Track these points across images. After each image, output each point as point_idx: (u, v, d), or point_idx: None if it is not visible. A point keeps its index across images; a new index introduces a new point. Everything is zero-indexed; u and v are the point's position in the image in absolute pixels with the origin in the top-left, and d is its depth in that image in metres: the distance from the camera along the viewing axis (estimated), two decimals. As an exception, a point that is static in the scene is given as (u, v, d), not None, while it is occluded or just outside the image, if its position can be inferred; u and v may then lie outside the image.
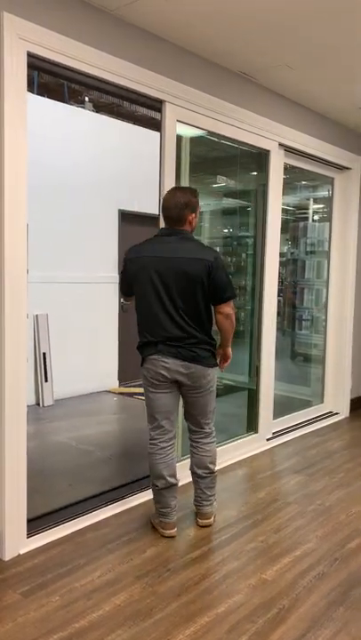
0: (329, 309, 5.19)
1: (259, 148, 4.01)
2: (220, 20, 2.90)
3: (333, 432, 4.73)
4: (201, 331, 2.74)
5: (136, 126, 6.80)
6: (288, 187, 4.72)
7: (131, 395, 5.87)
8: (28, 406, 2.68)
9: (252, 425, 4.24)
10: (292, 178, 4.73)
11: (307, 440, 4.47)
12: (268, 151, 4.08)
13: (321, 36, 3.06)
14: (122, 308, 6.22)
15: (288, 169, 4.50)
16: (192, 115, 3.41)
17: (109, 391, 6.03)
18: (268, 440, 4.29)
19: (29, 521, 2.71)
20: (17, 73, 2.44)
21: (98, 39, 2.76)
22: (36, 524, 2.78)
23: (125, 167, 6.16)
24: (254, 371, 4.30)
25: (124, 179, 6.17)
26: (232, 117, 3.67)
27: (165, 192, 2.89)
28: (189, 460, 3.00)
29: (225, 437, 3.97)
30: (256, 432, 4.22)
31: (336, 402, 5.24)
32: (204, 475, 2.93)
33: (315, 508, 3.22)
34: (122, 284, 2.94)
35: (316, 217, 5.67)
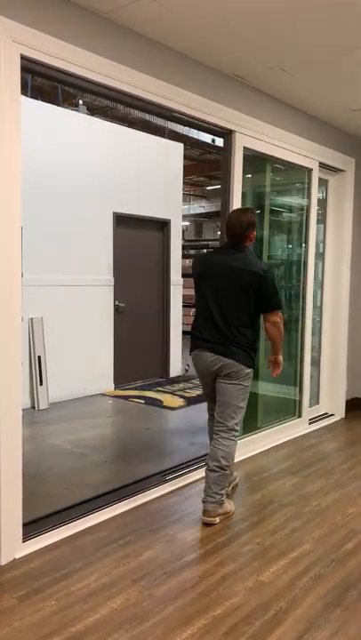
0: (324, 311, 5.20)
1: (304, 167, 4.56)
2: (214, 22, 2.91)
3: (329, 433, 4.74)
4: (241, 336, 3.00)
5: (131, 129, 6.82)
6: (282, 188, 4.74)
7: (126, 397, 5.86)
8: (23, 410, 2.67)
9: (295, 411, 4.82)
10: (286, 179, 4.75)
11: (302, 441, 4.48)
12: (311, 169, 4.62)
13: (317, 39, 3.08)
14: (117, 310, 6.22)
15: (282, 171, 4.52)
16: (255, 141, 3.92)
17: (105, 394, 6.02)
18: (309, 424, 4.89)
19: (25, 525, 2.70)
20: (10, 76, 2.43)
21: (93, 42, 2.76)
22: (31, 527, 2.77)
23: (120, 170, 6.17)
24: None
25: (119, 182, 6.17)
26: (284, 142, 4.19)
27: (230, 211, 3.31)
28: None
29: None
30: (300, 417, 4.77)
31: (331, 403, 5.25)
32: (214, 468, 3.00)
33: (311, 509, 3.22)
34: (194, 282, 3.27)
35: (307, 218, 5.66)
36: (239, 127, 3.73)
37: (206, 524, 2.96)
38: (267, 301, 3.02)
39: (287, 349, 4.74)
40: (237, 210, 3.31)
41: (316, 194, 4.70)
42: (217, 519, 2.99)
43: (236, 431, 3.08)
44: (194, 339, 3.13)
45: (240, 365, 2.98)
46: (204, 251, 13.51)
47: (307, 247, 4.75)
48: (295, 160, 4.40)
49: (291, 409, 4.79)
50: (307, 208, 4.69)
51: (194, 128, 3.64)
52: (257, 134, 3.90)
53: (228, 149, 3.77)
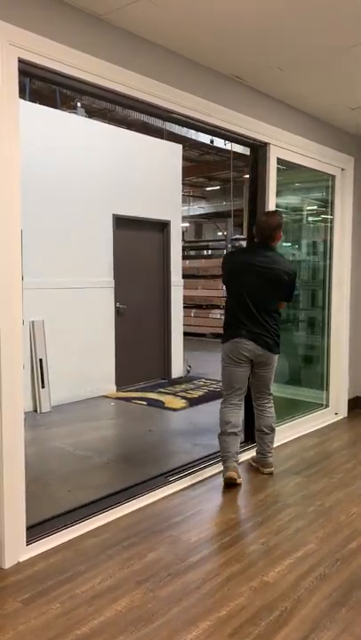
0: (326, 310, 5.19)
1: (328, 174, 4.89)
2: (209, 22, 2.91)
3: (332, 432, 4.73)
4: (272, 325, 3.54)
5: (129, 131, 6.82)
6: (283, 188, 4.75)
7: (128, 399, 5.85)
8: (25, 413, 2.67)
9: (324, 402, 5.23)
10: (286, 179, 4.76)
11: (305, 441, 4.47)
12: (334, 176, 4.94)
13: (315, 38, 3.08)
14: (117, 312, 6.22)
15: (281, 170, 4.52)
16: (287, 153, 4.23)
17: (107, 396, 6.02)
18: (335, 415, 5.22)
19: (29, 528, 2.69)
20: (8, 79, 2.44)
21: (89, 43, 2.76)
22: (35, 530, 2.77)
23: (119, 172, 6.17)
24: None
25: (119, 183, 6.17)
26: (312, 151, 4.52)
27: (260, 214, 3.78)
28: (255, 420, 3.77)
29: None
30: (328, 407, 5.16)
31: (334, 402, 5.23)
32: (268, 432, 3.71)
33: (315, 509, 3.21)
34: (223, 276, 3.75)
35: (310, 218, 5.68)
36: (273, 139, 4.05)
37: (269, 474, 3.67)
38: (289, 295, 3.61)
39: (311, 351, 5.31)
40: (266, 212, 3.72)
41: (340, 199, 4.98)
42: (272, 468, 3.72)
43: (272, 395, 3.74)
44: (233, 328, 3.51)
45: (274, 355, 3.57)
46: (207, 252, 13.50)
47: (331, 250, 4.99)
48: (322, 168, 4.71)
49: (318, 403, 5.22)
50: (331, 212, 4.99)
51: (230, 141, 3.94)
52: (288, 145, 4.22)
53: (263, 160, 4.08)
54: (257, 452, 3.79)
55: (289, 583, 2.45)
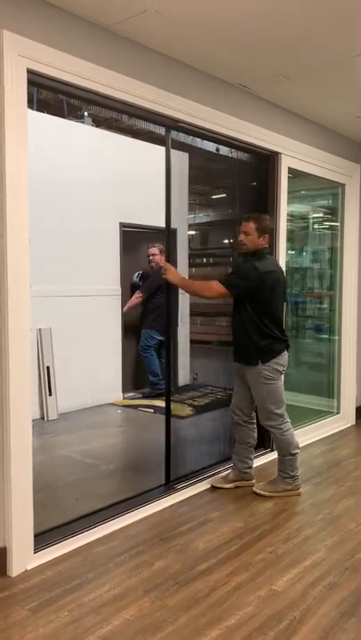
0: (333, 316, 5.18)
1: (338, 182, 4.95)
2: (212, 31, 2.93)
3: (340, 440, 4.71)
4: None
5: (136, 140, 6.85)
6: (290, 196, 4.77)
7: (135, 407, 5.85)
8: (32, 420, 2.67)
9: (336, 408, 5.24)
10: (291, 187, 4.78)
11: (313, 448, 4.45)
12: (344, 184, 5.00)
13: (320, 47, 3.09)
14: (124, 319, 6.23)
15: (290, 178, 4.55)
16: (298, 162, 4.30)
17: (113, 404, 6.02)
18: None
19: (36, 536, 2.69)
20: (17, 90, 2.46)
21: (97, 53, 2.79)
22: (42, 538, 2.76)
23: (126, 180, 6.20)
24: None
25: (125, 192, 6.20)
26: (321, 160, 4.57)
27: (265, 216, 3.55)
28: (249, 435, 3.62)
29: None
30: (340, 413, 5.16)
31: (342, 410, 5.21)
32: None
33: (323, 517, 3.19)
34: (244, 291, 3.30)
35: (316, 226, 5.69)
36: (284, 149, 4.11)
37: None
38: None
39: (319, 359, 5.37)
40: (268, 217, 3.52)
41: (348, 206, 5.02)
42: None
43: None
44: (277, 342, 3.37)
45: None
46: (213, 259, 13.50)
47: (338, 258, 5.03)
48: (331, 177, 4.78)
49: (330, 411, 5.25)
50: (341, 219, 5.08)
51: (241, 150, 3.98)
52: (299, 155, 4.28)
53: (273, 170, 4.13)
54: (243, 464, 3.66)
55: (298, 592, 2.43)
